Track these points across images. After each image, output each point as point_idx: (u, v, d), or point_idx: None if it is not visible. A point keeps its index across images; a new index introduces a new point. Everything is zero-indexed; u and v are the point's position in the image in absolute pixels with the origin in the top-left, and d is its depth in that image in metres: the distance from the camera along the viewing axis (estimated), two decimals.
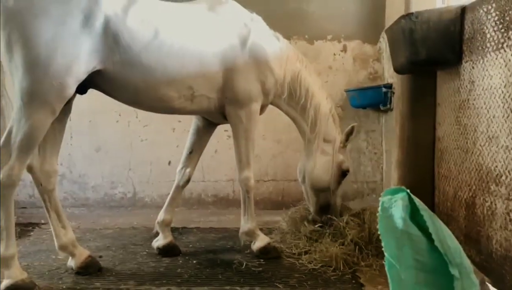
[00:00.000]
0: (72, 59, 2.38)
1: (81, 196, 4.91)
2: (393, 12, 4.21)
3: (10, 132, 2.36)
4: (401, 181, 3.82)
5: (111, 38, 2.49)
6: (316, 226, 3.32)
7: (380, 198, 1.27)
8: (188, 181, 3.29)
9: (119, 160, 4.87)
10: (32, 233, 3.85)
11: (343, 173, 3.42)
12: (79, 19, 2.39)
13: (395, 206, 1.20)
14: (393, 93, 4.20)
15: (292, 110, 3.34)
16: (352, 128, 3.43)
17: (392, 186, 4.21)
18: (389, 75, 4.40)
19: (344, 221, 3.19)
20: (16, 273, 2.45)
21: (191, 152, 3.30)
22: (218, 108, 3.00)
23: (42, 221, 4.03)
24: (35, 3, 2.30)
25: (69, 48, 2.37)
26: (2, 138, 2.37)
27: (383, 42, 4.59)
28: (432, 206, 3.30)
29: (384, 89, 4.26)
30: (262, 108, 3.19)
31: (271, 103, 3.28)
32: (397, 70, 3.48)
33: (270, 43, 3.12)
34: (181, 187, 3.31)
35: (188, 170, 3.27)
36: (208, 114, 3.13)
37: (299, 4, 4.79)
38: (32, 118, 2.34)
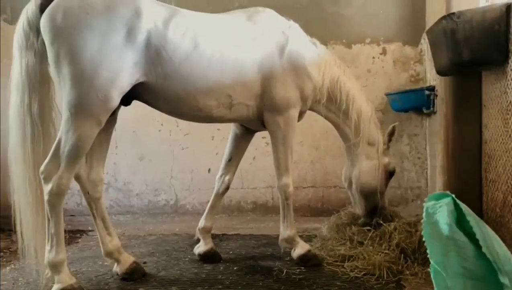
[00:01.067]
0: (116, 72, 2.46)
1: (126, 203, 5.06)
2: (434, 12, 4.10)
3: (59, 143, 2.45)
4: (447, 187, 3.69)
5: (153, 51, 2.56)
6: (365, 228, 3.27)
7: (424, 204, 1.24)
8: (227, 188, 3.33)
9: (162, 168, 4.98)
10: (80, 240, 3.99)
11: (390, 174, 3.44)
12: (123, 33, 2.47)
13: (440, 212, 1.16)
14: (436, 95, 4.08)
15: (333, 115, 3.32)
16: (393, 128, 3.44)
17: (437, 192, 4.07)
18: (432, 77, 4.28)
19: (392, 226, 3.13)
20: (66, 278, 2.53)
21: (230, 159, 3.33)
22: (256, 116, 3.02)
23: (90, 228, 4.18)
24: (81, 20, 2.40)
25: (114, 62, 2.45)
26: (52, 149, 2.47)
27: (425, 44, 4.47)
28: (480, 212, 3.17)
29: (426, 92, 4.16)
30: (300, 115, 3.18)
31: (311, 109, 3.28)
32: (440, 72, 3.38)
33: (308, 50, 3.12)
34: (220, 194, 3.35)
35: (227, 177, 3.31)
36: (246, 122, 3.16)
37: (336, 9, 4.77)
38: (79, 129, 2.43)
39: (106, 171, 4.74)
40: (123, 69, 2.48)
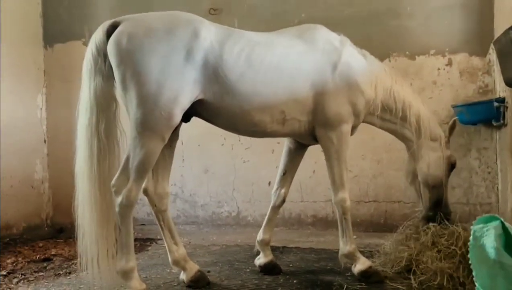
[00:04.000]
0: (178, 91, 2.61)
1: (191, 214, 5.28)
2: (503, 21, 3.91)
3: (127, 159, 2.64)
4: None
5: (210, 70, 2.69)
6: (429, 225, 3.19)
7: (471, 227, 1.22)
8: (283, 201, 3.38)
9: (224, 181, 5.16)
10: (149, 248, 4.23)
11: (451, 166, 3.41)
12: (183, 54, 2.62)
13: (487, 235, 1.14)
14: (507, 107, 3.87)
15: (389, 124, 3.34)
16: (454, 122, 3.44)
17: (509, 209, 3.85)
18: (502, 89, 4.07)
19: (460, 227, 3.10)
20: (136, 285, 2.70)
21: (284, 173, 3.39)
22: (308, 131, 3.06)
23: (159, 237, 4.32)
24: (144, 44, 2.58)
25: (175, 82, 2.61)
26: (121, 165, 2.67)
27: (493, 54, 4.27)
28: None
29: (496, 104, 3.95)
30: (353, 129, 3.19)
31: (364, 122, 3.28)
32: (508, 83, 3.24)
33: (360, 65, 3.13)
34: (277, 207, 3.40)
35: (283, 191, 3.36)
36: (299, 136, 3.20)
37: (399, 21, 4.69)
38: (145, 146, 2.60)
39: (174, 182, 5.04)
40: (184, 88, 2.63)
